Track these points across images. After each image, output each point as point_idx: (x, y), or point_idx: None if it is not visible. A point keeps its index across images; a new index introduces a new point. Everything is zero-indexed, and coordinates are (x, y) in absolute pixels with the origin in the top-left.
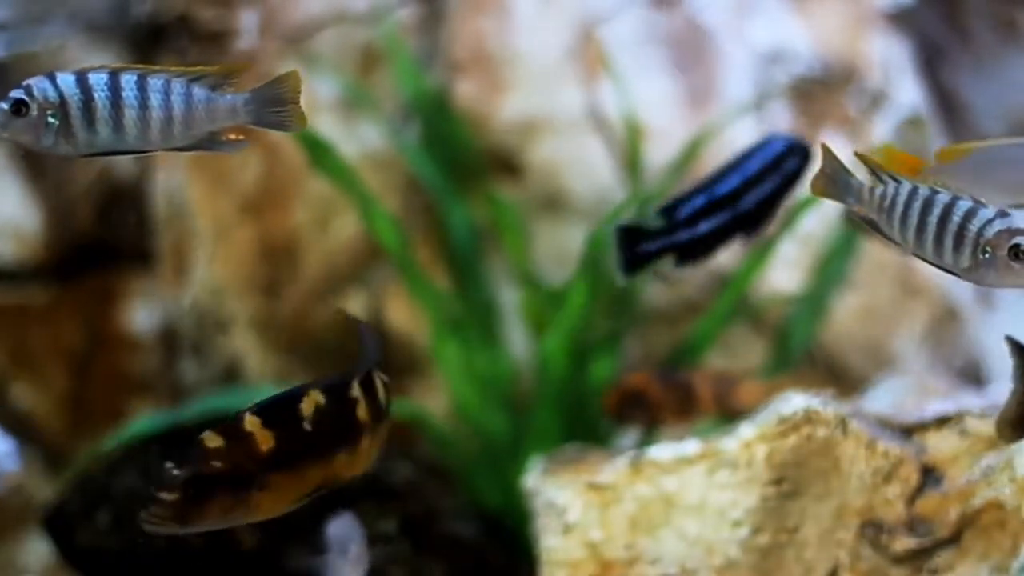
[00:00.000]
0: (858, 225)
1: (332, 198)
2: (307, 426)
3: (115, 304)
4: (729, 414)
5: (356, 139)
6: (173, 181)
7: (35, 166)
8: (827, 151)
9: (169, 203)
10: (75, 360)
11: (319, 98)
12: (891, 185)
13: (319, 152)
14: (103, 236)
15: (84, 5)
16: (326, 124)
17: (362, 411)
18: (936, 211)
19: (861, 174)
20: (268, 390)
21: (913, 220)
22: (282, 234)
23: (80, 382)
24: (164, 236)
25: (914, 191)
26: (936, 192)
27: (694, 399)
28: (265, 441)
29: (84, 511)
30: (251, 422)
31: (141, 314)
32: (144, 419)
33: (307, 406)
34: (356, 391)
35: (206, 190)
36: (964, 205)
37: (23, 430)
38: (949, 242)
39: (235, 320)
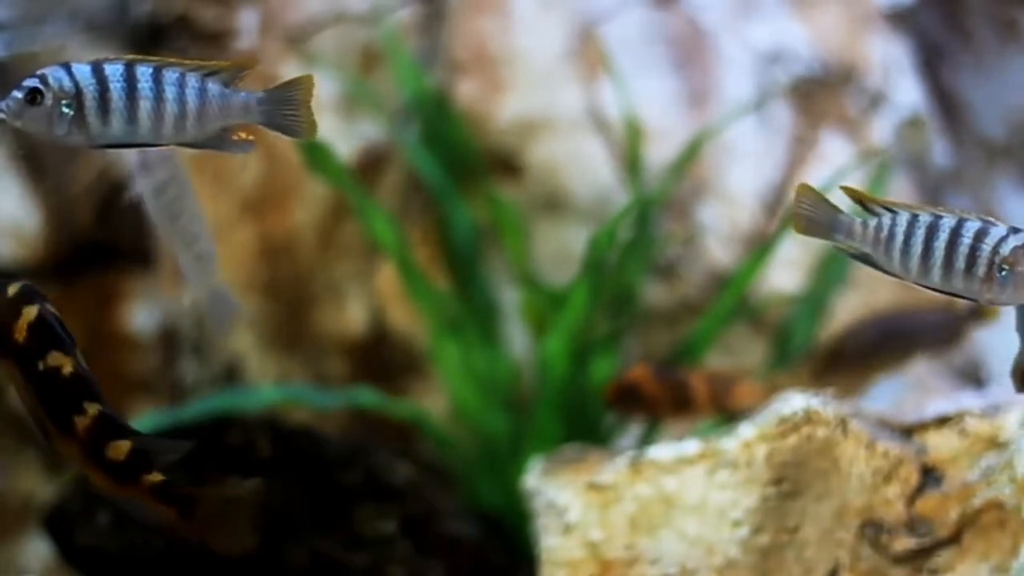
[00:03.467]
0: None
1: (332, 198)
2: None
3: (115, 304)
4: (726, 414)
5: (356, 138)
6: None
7: (35, 166)
8: (803, 190)
9: None
10: None
11: (319, 98)
12: (887, 216)
13: (316, 154)
14: (103, 236)
15: (84, 5)
16: (326, 124)
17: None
18: (943, 235)
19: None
20: (268, 390)
21: (917, 248)
22: (282, 234)
23: None
24: (164, 236)
25: (915, 218)
26: (940, 216)
27: (690, 397)
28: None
29: (84, 511)
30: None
31: (141, 314)
32: (144, 419)
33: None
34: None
35: (206, 190)
36: (973, 226)
37: (23, 430)
38: (960, 264)
39: (235, 320)
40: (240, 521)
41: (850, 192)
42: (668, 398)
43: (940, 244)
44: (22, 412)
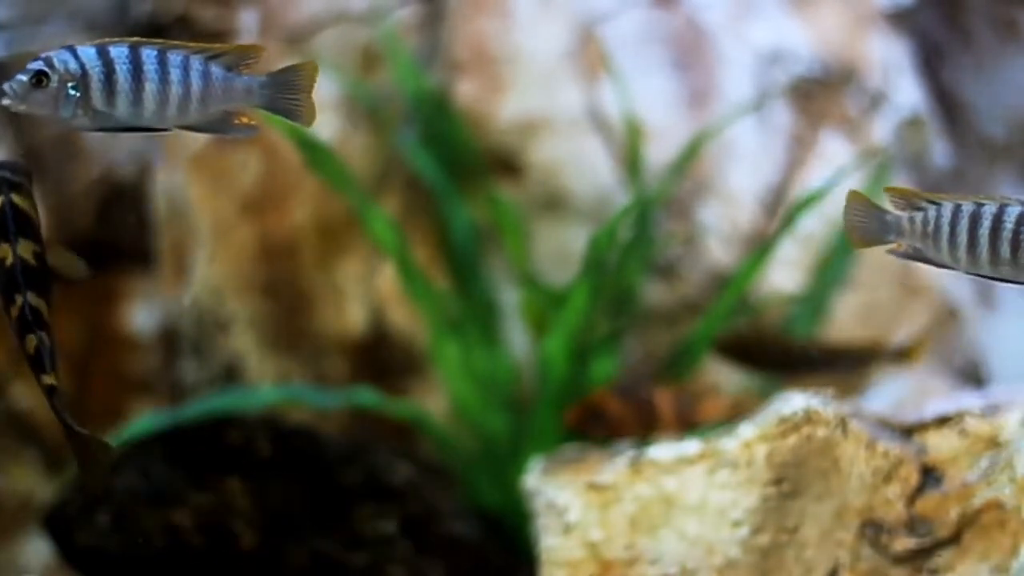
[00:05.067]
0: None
1: (331, 198)
2: None
3: (115, 304)
4: (693, 429)
5: (355, 139)
6: (173, 181)
7: (35, 166)
8: (853, 198)
9: (169, 203)
10: (75, 360)
11: (319, 98)
12: (931, 209)
13: (316, 153)
14: (103, 236)
15: (84, 5)
16: (326, 124)
17: None
18: (986, 223)
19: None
20: (268, 390)
21: (963, 238)
22: (282, 234)
23: (80, 382)
24: (164, 236)
25: (958, 208)
26: (981, 204)
27: (656, 415)
28: None
29: (84, 511)
30: None
31: (141, 314)
32: (144, 419)
33: None
34: None
35: (206, 190)
36: (1014, 211)
37: (23, 430)
38: (1006, 250)
39: (235, 320)
40: (98, 462)
41: (895, 191)
42: (633, 417)
43: (984, 232)
44: (23, 411)
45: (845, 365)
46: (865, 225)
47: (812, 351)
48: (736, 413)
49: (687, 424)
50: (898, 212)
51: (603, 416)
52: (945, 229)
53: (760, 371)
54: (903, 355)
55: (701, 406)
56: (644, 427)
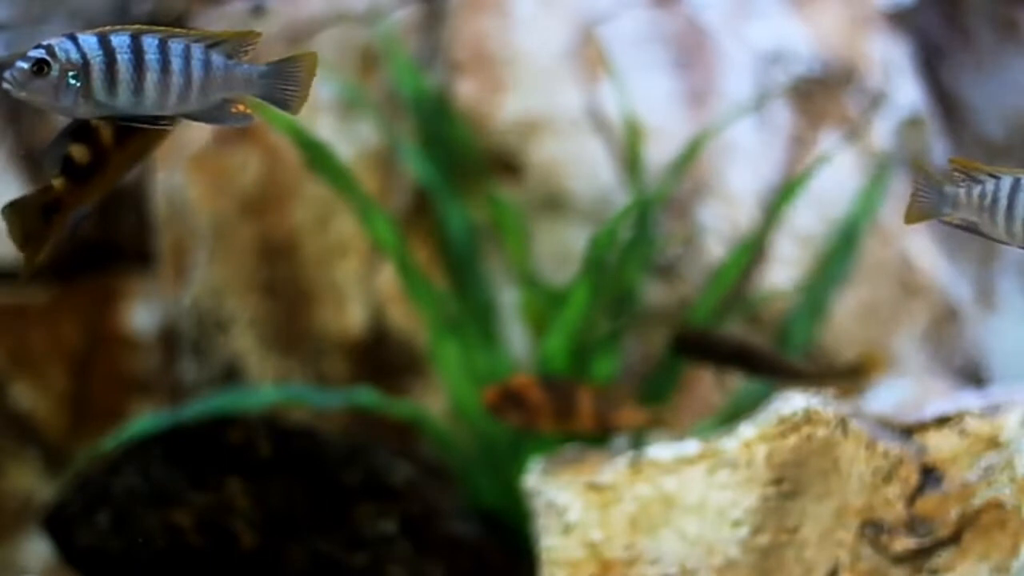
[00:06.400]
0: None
1: (331, 198)
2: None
3: (115, 304)
4: (607, 432)
5: (355, 139)
6: (173, 181)
7: (35, 166)
8: (919, 169)
9: (169, 203)
10: (75, 360)
11: (319, 98)
12: (989, 183)
13: (316, 153)
14: (103, 236)
15: (84, 5)
16: (325, 124)
17: None
18: None
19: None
20: (268, 390)
21: (1019, 212)
22: (282, 234)
23: (80, 382)
24: (164, 236)
25: (1017, 183)
26: None
27: (573, 410)
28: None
29: (84, 511)
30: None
31: (141, 314)
32: (144, 419)
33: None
34: None
35: (206, 190)
36: None
37: (23, 430)
38: None
39: (235, 320)
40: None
41: (958, 162)
42: (551, 407)
43: None
44: (23, 411)
45: (807, 378)
46: (925, 198)
47: (778, 359)
48: (653, 426)
49: (602, 426)
50: (955, 185)
51: (522, 402)
52: (1002, 203)
53: (717, 370)
54: (855, 372)
55: (619, 412)
56: (560, 420)
